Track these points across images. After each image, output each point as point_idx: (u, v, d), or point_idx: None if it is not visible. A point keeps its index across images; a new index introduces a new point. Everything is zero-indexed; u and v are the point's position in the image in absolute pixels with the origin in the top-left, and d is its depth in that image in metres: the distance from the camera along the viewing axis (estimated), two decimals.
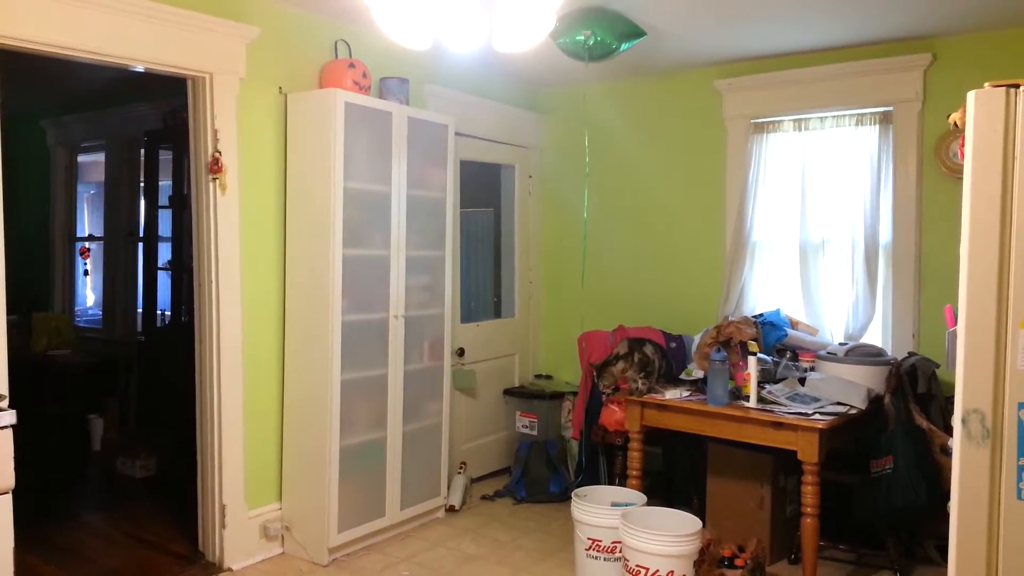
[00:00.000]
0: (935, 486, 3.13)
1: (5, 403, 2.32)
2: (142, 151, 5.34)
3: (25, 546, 2.36)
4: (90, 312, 6.34)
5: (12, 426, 2.25)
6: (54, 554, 3.57)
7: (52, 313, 5.91)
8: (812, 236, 4.14)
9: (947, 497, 2.10)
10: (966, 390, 2.06)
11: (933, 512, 3.09)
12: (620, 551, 3.15)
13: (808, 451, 3.12)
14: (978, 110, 1.96)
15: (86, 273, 6.10)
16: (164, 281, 5.28)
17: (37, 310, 5.76)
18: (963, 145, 2.08)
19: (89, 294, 6.37)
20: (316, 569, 3.50)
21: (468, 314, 4.83)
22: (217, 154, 3.34)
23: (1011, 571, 1.87)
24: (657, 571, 2.97)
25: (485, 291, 5.23)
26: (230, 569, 3.43)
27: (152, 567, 3.45)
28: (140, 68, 3.15)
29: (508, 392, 4.87)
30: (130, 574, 3.38)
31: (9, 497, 2.27)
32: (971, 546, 1.96)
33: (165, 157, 5.20)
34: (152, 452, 4.76)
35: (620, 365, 3.66)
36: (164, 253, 5.30)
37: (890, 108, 3.92)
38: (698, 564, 3.08)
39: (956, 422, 2.08)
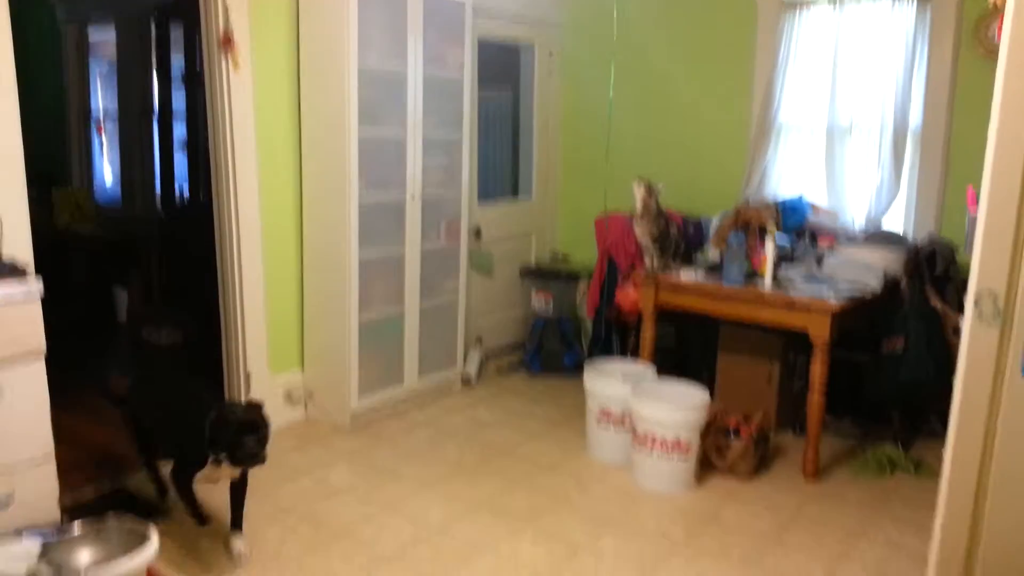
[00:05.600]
0: (944, 366, 3.19)
1: (31, 273, 2.39)
2: (153, 26, 5.21)
3: (60, 407, 2.48)
4: (109, 189, 6.38)
5: (40, 296, 2.33)
6: (89, 415, 3.75)
7: (72, 189, 5.95)
8: (840, 119, 4.03)
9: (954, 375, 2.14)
10: (982, 271, 2.06)
11: (940, 390, 3.15)
12: (629, 420, 3.27)
13: (819, 331, 3.17)
14: None
15: (103, 150, 6.09)
16: (181, 159, 5.28)
17: (56, 186, 5.79)
18: (1001, 24, 1.99)
19: (107, 171, 6.38)
20: (339, 431, 3.66)
21: (485, 195, 4.82)
22: (229, 30, 3.26)
23: (1008, 443, 1.93)
24: (664, 438, 3.09)
25: (503, 172, 5.19)
26: None
27: None
28: None
29: (524, 272, 4.92)
30: None
31: (42, 361, 2.38)
32: (971, 417, 2.01)
33: (177, 32, 5.08)
34: (177, 324, 4.89)
35: (655, 207, 3.58)
36: (179, 131, 5.26)
37: None
38: (704, 434, 3.19)
39: (968, 302, 2.09)
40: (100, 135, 6.06)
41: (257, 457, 2.40)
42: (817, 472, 3.29)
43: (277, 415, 3.67)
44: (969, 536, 1.93)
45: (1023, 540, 1.85)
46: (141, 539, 2.14)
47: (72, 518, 2.39)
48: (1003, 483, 1.90)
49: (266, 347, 3.62)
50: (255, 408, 2.49)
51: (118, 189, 6.10)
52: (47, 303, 2.37)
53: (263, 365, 3.62)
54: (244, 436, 2.35)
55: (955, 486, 1.96)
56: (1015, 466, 1.91)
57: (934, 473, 3.24)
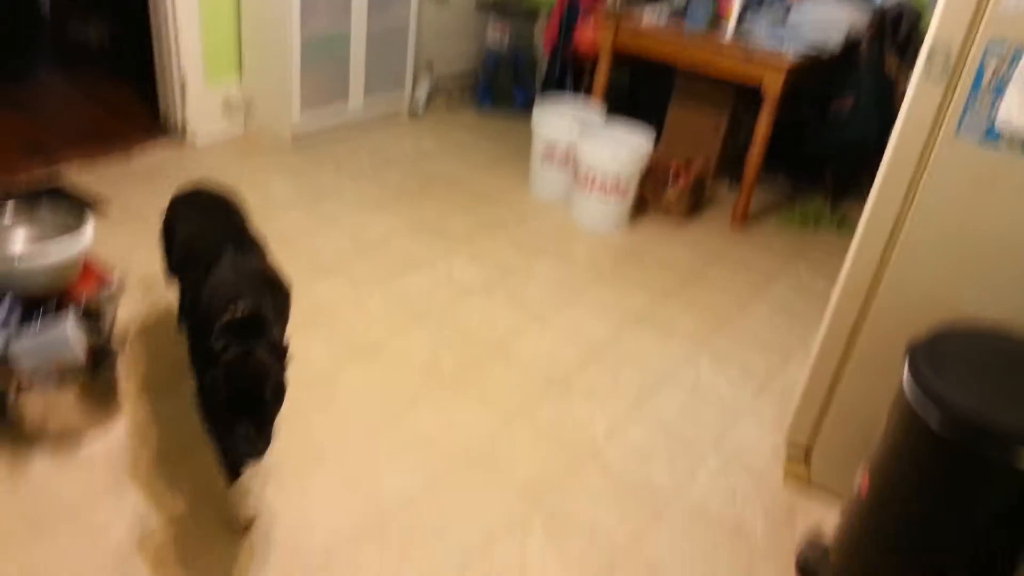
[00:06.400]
0: (888, 127, 3.23)
1: None
2: None
3: None
4: None
5: None
6: (21, 111, 3.59)
7: None
8: None
9: None
10: (940, 26, 2.01)
11: (879, 151, 3.24)
12: (573, 161, 3.29)
13: (772, 85, 3.14)
14: None
15: None
16: None
17: None
18: None
19: None
20: (280, 149, 3.61)
21: None
22: None
23: (926, 200, 2.02)
24: (604, 181, 3.14)
25: None
26: (193, 135, 3.51)
27: (117, 131, 3.51)
28: None
29: (482, 3, 4.64)
30: (96, 136, 3.45)
31: None
32: (898, 171, 2.08)
33: None
34: (104, 19, 4.56)
35: None
36: None
37: None
38: (644, 176, 3.25)
39: (921, 57, 2.07)
40: None
41: (249, 457, 1.48)
42: (746, 220, 3.44)
43: (214, 125, 3.59)
44: (871, 282, 2.08)
45: (918, 290, 2.00)
46: (77, 227, 2.13)
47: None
48: (912, 238, 2.01)
49: (200, 52, 3.42)
50: (263, 366, 1.47)
51: None
52: None
53: (198, 73, 3.44)
54: (236, 421, 1.44)
55: (868, 234, 2.08)
56: (927, 223, 2.01)
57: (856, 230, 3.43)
